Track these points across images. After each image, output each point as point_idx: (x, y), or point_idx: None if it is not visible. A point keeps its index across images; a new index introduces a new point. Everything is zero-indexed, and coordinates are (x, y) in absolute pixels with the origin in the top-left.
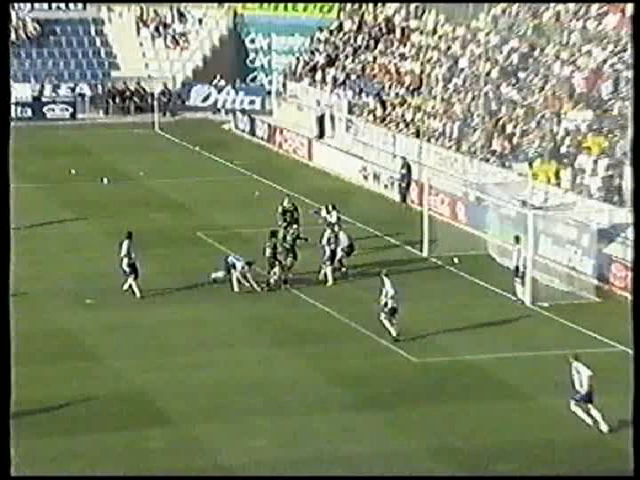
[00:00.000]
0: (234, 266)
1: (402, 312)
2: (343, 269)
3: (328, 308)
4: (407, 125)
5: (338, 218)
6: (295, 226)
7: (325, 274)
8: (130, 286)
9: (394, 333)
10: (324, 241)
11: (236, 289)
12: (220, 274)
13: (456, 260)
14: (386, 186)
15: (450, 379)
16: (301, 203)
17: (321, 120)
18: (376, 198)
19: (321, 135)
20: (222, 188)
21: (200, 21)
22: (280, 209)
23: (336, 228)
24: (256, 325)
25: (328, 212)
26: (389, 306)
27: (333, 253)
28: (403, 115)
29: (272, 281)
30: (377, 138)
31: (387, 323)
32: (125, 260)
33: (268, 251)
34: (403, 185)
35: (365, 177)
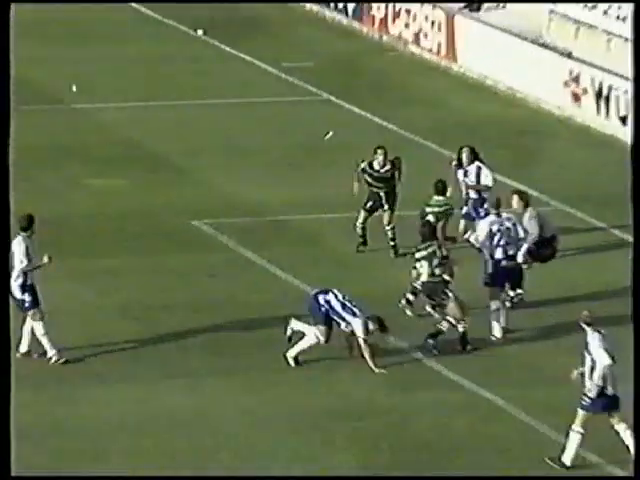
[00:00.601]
0: (333, 319)
1: None
2: (518, 292)
3: (501, 398)
4: None
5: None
6: (440, 198)
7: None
8: (30, 335)
9: (571, 457)
10: (481, 236)
11: (291, 359)
12: (302, 326)
13: None
14: (624, 118)
15: None
16: (423, 156)
17: None
18: (603, 145)
19: (475, 3)
20: (253, 122)
21: None
22: (363, 166)
23: (515, 202)
24: (323, 432)
25: (459, 164)
26: (593, 391)
27: (502, 269)
28: None
29: (441, 330)
30: (602, 9)
31: (575, 433)
32: (19, 278)
33: (438, 270)
34: None
35: (575, 97)
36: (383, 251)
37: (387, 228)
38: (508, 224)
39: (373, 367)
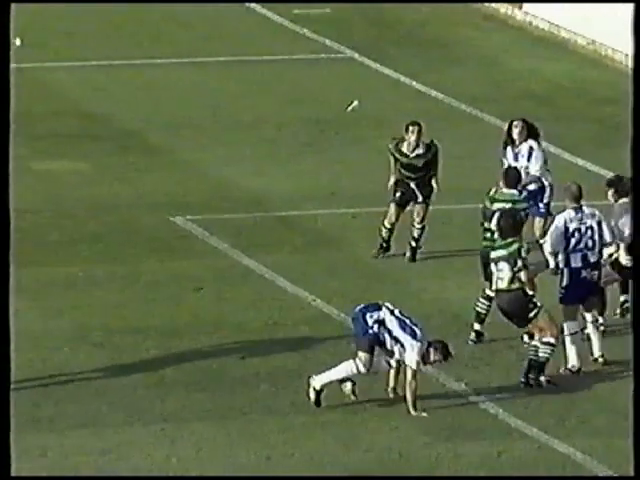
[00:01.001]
0: (383, 344)
1: None
2: (622, 300)
3: (578, 450)
4: None
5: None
6: (513, 192)
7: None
8: None
9: None
10: (553, 237)
11: (313, 392)
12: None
13: None
14: None
15: None
16: (475, 130)
17: None
18: None
19: None
20: (253, 87)
21: None
22: (390, 146)
23: (609, 193)
24: None
25: (511, 142)
26: None
27: (582, 281)
28: None
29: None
30: None
31: None
32: None
33: (521, 275)
34: None
35: None
36: (418, 258)
37: (416, 225)
38: (591, 222)
39: (412, 408)
